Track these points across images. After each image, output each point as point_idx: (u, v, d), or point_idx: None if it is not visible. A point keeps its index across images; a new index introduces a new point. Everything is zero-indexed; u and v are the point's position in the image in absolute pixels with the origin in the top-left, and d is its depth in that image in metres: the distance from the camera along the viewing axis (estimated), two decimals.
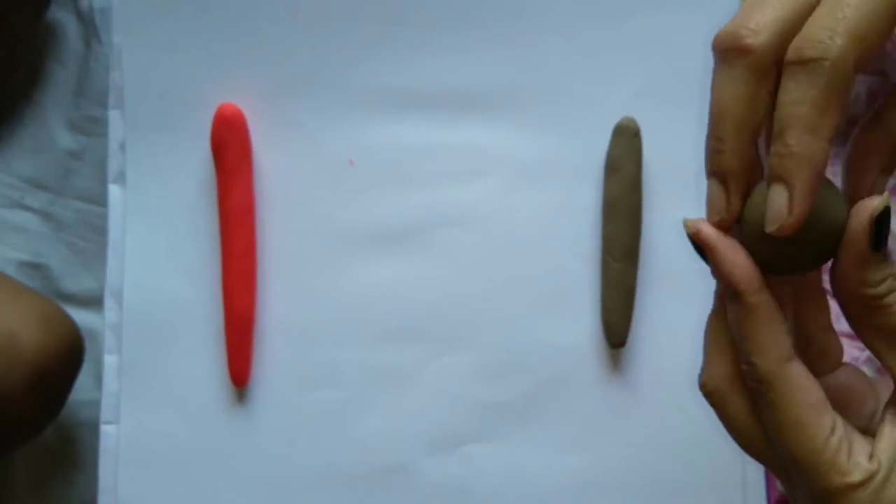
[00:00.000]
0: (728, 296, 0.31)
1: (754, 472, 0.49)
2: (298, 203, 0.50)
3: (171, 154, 0.50)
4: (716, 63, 0.30)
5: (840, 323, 0.32)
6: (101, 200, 0.53)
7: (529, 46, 0.50)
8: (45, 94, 0.58)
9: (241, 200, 0.49)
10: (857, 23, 0.28)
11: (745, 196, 0.31)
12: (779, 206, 0.29)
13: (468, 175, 0.50)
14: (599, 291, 0.50)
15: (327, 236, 0.50)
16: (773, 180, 0.29)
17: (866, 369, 0.48)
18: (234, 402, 0.50)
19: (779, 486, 0.48)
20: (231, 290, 0.49)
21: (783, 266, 0.30)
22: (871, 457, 0.30)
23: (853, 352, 0.49)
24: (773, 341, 0.30)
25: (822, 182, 0.29)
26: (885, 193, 0.30)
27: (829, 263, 0.31)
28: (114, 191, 0.50)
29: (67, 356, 0.51)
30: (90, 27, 0.57)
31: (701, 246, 0.31)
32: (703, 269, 0.48)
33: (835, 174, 0.32)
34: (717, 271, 0.31)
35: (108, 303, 0.50)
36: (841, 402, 0.32)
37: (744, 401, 0.32)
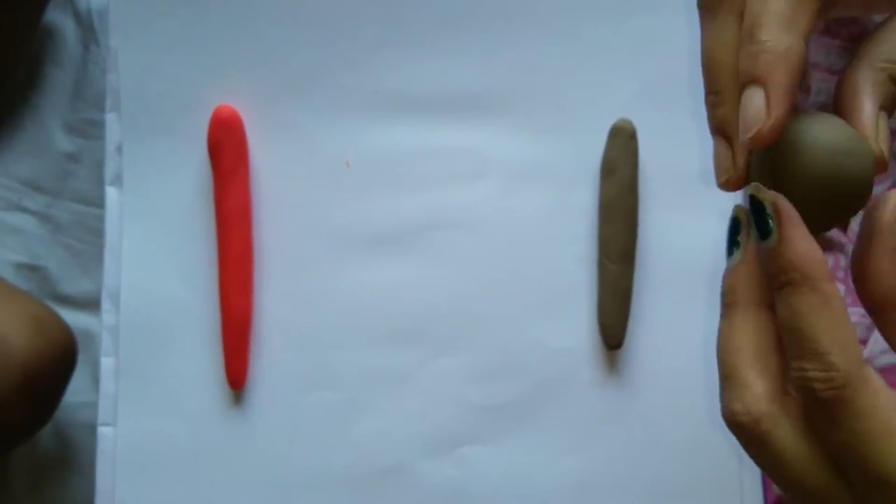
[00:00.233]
0: (792, 287, 0.26)
1: (751, 473, 0.49)
2: (295, 205, 0.50)
3: (168, 156, 0.50)
4: (700, 19, 0.29)
5: None
6: (99, 203, 0.54)
7: (526, 49, 0.50)
8: (43, 97, 0.58)
9: (238, 202, 0.49)
10: None
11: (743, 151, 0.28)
12: (756, 108, 0.26)
13: (465, 177, 0.50)
14: (596, 293, 0.50)
15: (324, 238, 0.50)
16: (746, 83, 0.26)
17: None
18: (232, 403, 0.50)
19: (775, 488, 0.48)
20: (228, 292, 0.49)
21: (813, 221, 0.27)
22: None
23: None
24: (852, 337, 0.26)
25: (799, 84, 0.26)
26: None
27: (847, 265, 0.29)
28: (111, 193, 0.50)
29: (59, 360, 0.51)
30: (88, 30, 0.57)
31: (778, 217, 0.27)
32: (701, 269, 0.48)
33: None
34: (791, 253, 0.26)
35: (106, 305, 0.50)
36: None
37: (797, 424, 0.27)
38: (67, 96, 0.58)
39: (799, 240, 0.26)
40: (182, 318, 0.50)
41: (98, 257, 0.52)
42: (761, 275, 0.28)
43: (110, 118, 0.50)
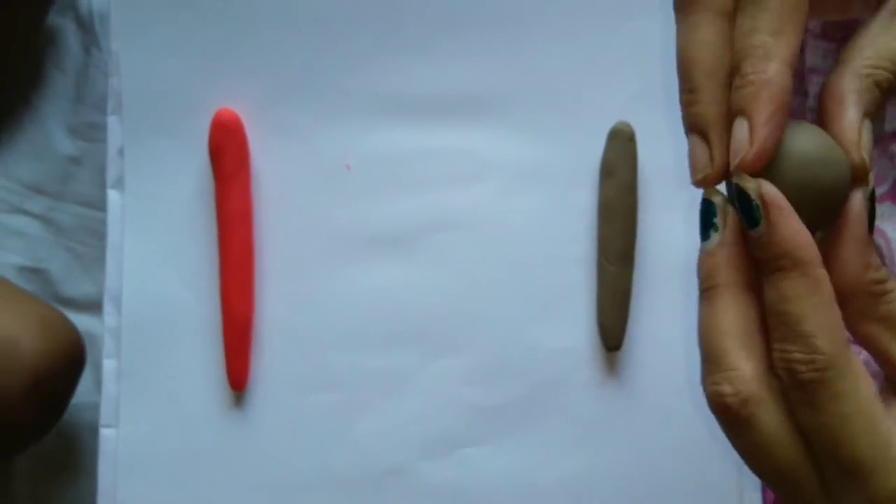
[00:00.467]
0: (781, 272, 0.27)
1: (750, 475, 0.49)
2: (296, 207, 0.50)
3: (170, 159, 0.50)
4: (676, 19, 0.29)
5: None
6: (101, 205, 0.54)
7: (525, 51, 0.50)
8: (45, 100, 0.58)
9: (239, 205, 0.49)
10: None
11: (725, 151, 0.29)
12: (740, 138, 0.27)
13: (464, 179, 0.50)
14: (595, 295, 0.50)
15: (324, 240, 0.50)
16: (735, 116, 0.27)
17: None
18: (233, 405, 0.50)
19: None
20: (229, 294, 0.49)
21: None
22: None
23: None
24: (838, 321, 0.27)
25: (786, 108, 0.27)
26: (870, 175, 0.28)
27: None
28: (112, 196, 0.51)
29: (68, 361, 0.51)
30: (90, 33, 0.58)
31: (764, 205, 0.27)
32: None
33: None
34: (780, 238, 0.27)
35: (107, 307, 0.50)
36: None
37: (781, 406, 0.27)
38: (69, 99, 0.58)
39: (786, 226, 0.27)
40: (183, 319, 0.50)
41: (100, 260, 0.52)
42: (743, 257, 0.29)
43: (112, 121, 0.51)
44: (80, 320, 0.55)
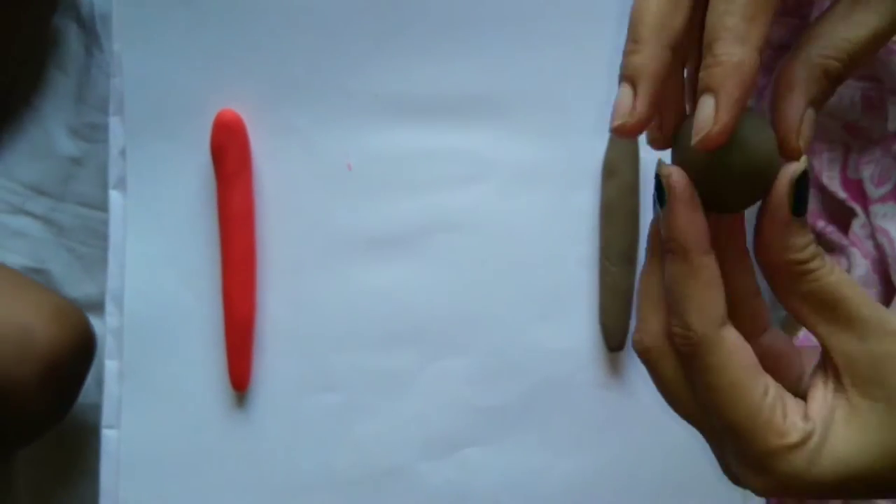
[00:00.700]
0: (671, 254, 0.30)
1: None
2: (297, 208, 0.50)
3: (172, 160, 0.50)
4: None
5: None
6: (102, 206, 0.54)
7: (526, 51, 0.50)
8: (47, 101, 0.58)
9: (241, 205, 0.49)
10: None
11: (671, 118, 0.31)
12: (705, 115, 0.28)
13: (466, 180, 0.50)
14: (597, 295, 0.50)
15: (326, 241, 0.50)
16: (702, 92, 0.28)
17: None
18: (234, 405, 0.50)
19: None
20: (231, 294, 0.49)
21: (714, 204, 0.30)
22: (805, 417, 0.30)
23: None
24: (711, 304, 0.29)
25: (750, 93, 0.28)
26: (804, 157, 0.30)
27: (754, 234, 0.30)
28: (114, 196, 0.51)
29: (80, 349, 0.51)
30: (91, 34, 0.58)
31: (667, 190, 0.29)
32: None
33: None
34: (671, 224, 0.29)
35: (109, 308, 0.50)
36: (769, 366, 0.31)
37: (678, 362, 0.31)
38: (71, 100, 0.58)
39: (680, 214, 0.29)
40: (185, 320, 0.50)
41: (102, 260, 0.52)
42: None
43: (114, 122, 0.51)
44: None
